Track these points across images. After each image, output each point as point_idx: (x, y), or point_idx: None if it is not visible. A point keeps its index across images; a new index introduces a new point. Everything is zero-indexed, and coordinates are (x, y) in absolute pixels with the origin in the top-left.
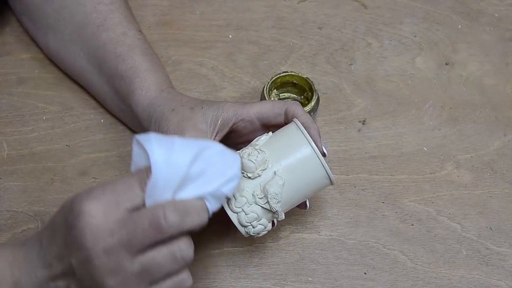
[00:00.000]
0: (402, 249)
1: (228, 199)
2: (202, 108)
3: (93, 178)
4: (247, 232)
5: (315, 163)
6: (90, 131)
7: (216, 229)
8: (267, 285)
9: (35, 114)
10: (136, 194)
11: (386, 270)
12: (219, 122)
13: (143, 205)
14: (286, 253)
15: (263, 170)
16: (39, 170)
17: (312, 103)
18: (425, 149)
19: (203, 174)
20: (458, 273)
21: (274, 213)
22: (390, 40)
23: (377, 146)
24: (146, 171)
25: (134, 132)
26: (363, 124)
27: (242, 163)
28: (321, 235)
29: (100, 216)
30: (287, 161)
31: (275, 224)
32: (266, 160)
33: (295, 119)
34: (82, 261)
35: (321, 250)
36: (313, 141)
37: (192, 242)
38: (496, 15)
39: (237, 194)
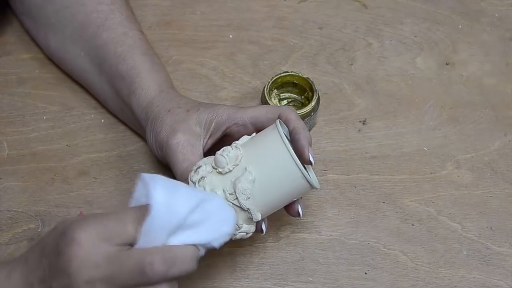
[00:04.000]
0: (403, 249)
1: None
2: (198, 110)
3: (93, 178)
4: None
5: (287, 160)
6: (91, 131)
7: None
8: (268, 285)
9: (35, 114)
10: (128, 232)
11: (387, 270)
12: (213, 125)
13: (133, 243)
14: (287, 253)
15: (235, 166)
16: (40, 170)
17: (313, 103)
18: (425, 149)
19: (199, 225)
20: (459, 273)
21: (246, 211)
22: (391, 40)
23: (378, 146)
24: (143, 210)
25: (135, 132)
26: (363, 124)
27: (215, 159)
28: (322, 235)
29: (89, 248)
30: (259, 158)
31: (264, 230)
32: (238, 156)
33: (277, 120)
34: (62, 287)
35: (322, 250)
36: (301, 148)
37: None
38: (496, 15)
39: (208, 189)
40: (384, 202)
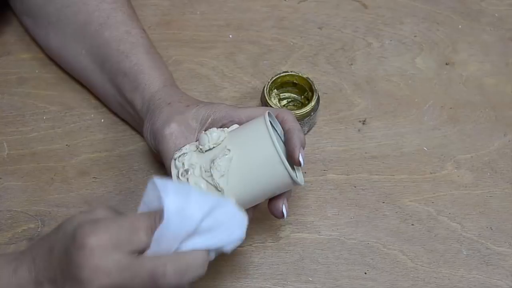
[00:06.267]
0: (402, 249)
1: (177, 170)
2: (197, 106)
3: (93, 178)
4: None
5: (268, 145)
6: (91, 131)
7: None
8: (268, 285)
9: (35, 114)
10: (141, 239)
11: (387, 270)
12: (209, 121)
13: (145, 250)
14: (287, 253)
15: (216, 145)
16: (40, 170)
17: (313, 103)
18: (425, 149)
19: (211, 231)
20: (458, 273)
21: (220, 192)
22: (391, 40)
23: (377, 146)
24: (156, 216)
25: (135, 132)
26: (363, 124)
27: (199, 137)
28: (322, 235)
29: (101, 255)
30: (241, 140)
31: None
32: (221, 137)
33: (267, 111)
34: None
35: (322, 250)
36: (292, 147)
37: None
38: (496, 15)
39: (186, 165)
40: (383, 202)
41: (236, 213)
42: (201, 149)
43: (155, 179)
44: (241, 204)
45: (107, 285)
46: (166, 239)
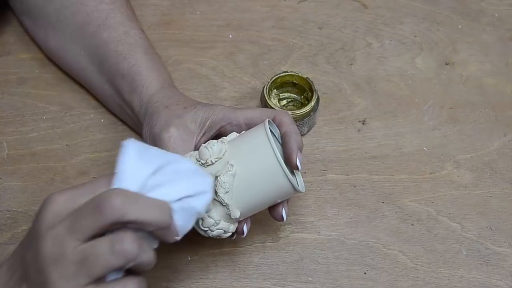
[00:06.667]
0: (402, 249)
1: None
2: (195, 108)
3: (93, 178)
4: (198, 226)
5: (271, 158)
6: (90, 131)
7: None
8: (267, 285)
9: (35, 114)
10: (101, 191)
11: (386, 270)
12: (208, 123)
13: None
14: (286, 253)
15: (218, 159)
16: (39, 170)
17: (312, 103)
18: (425, 149)
19: (172, 182)
20: (458, 273)
21: (224, 206)
22: (390, 40)
23: (377, 146)
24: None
25: (135, 131)
26: (363, 124)
27: (199, 150)
28: (321, 235)
29: (60, 205)
30: (243, 154)
31: (245, 232)
32: (222, 150)
33: (267, 119)
34: (34, 253)
35: (321, 250)
36: (289, 151)
37: (142, 243)
38: (496, 15)
39: None
40: (383, 202)
41: (198, 170)
42: (202, 163)
43: (123, 142)
44: (244, 214)
45: (59, 229)
46: (122, 186)
